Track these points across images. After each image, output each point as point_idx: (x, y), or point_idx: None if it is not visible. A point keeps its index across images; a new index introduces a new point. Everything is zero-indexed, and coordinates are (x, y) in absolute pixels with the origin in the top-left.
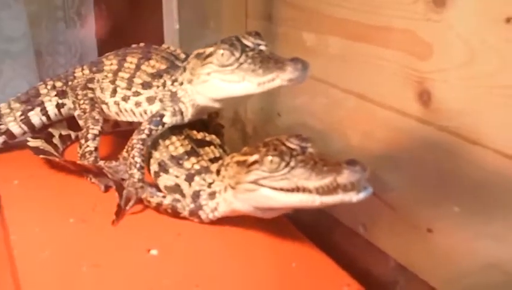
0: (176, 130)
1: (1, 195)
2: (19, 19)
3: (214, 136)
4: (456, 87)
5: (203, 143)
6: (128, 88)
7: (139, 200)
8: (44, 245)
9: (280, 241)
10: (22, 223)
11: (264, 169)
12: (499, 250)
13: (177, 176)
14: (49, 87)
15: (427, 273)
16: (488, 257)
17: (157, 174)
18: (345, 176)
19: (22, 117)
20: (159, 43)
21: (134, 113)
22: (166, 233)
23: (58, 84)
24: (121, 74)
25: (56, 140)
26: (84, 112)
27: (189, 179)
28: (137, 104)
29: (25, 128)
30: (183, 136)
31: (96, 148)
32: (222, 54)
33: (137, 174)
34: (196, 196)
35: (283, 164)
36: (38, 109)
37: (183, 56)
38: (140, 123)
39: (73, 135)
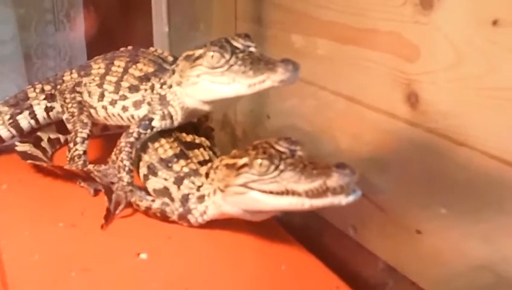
0: (165, 132)
1: None
2: (7, 21)
3: (203, 139)
4: (443, 89)
5: (192, 145)
6: (116, 92)
7: (129, 204)
8: (33, 249)
9: (270, 243)
10: (11, 227)
11: (253, 172)
12: (488, 251)
13: (166, 179)
14: (37, 90)
15: (417, 274)
16: (477, 257)
17: (146, 177)
18: (335, 179)
19: (11, 121)
20: (149, 46)
21: (122, 118)
22: (155, 237)
23: (47, 87)
24: (108, 78)
25: (45, 144)
26: (73, 116)
27: (178, 182)
28: (124, 108)
29: (14, 131)
30: (172, 139)
31: (85, 152)
32: (212, 56)
33: (126, 178)
34: (185, 199)
35: (272, 167)
36: (27, 113)
37: (171, 59)
38: (129, 126)
39: (62, 138)
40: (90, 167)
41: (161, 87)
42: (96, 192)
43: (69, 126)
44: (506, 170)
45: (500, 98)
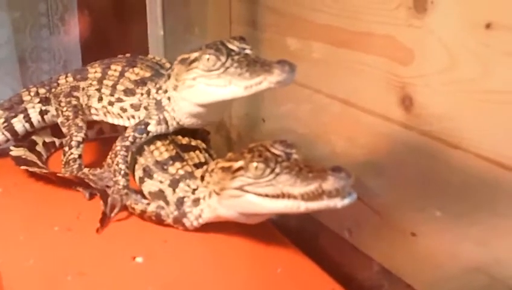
0: (161, 135)
1: None
2: (2, 25)
3: (199, 141)
4: (437, 92)
5: (188, 148)
6: (112, 95)
7: (124, 208)
8: (28, 254)
9: (265, 246)
10: (6, 231)
11: (249, 175)
12: (482, 253)
13: (161, 182)
14: (32, 94)
15: (412, 277)
16: (471, 260)
17: (141, 180)
18: (330, 183)
19: (5, 124)
20: (144, 50)
21: (122, 118)
22: (151, 240)
23: (42, 91)
24: (105, 82)
25: (40, 147)
26: (68, 119)
27: (174, 184)
28: (123, 109)
29: (8, 135)
30: (168, 141)
31: (80, 156)
32: (208, 59)
33: (121, 181)
34: (180, 202)
35: (268, 170)
36: (21, 116)
37: (168, 65)
38: (125, 129)
39: (57, 142)
40: (86, 170)
41: (157, 92)
42: (92, 196)
43: (64, 130)
44: (500, 173)
45: (494, 101)
